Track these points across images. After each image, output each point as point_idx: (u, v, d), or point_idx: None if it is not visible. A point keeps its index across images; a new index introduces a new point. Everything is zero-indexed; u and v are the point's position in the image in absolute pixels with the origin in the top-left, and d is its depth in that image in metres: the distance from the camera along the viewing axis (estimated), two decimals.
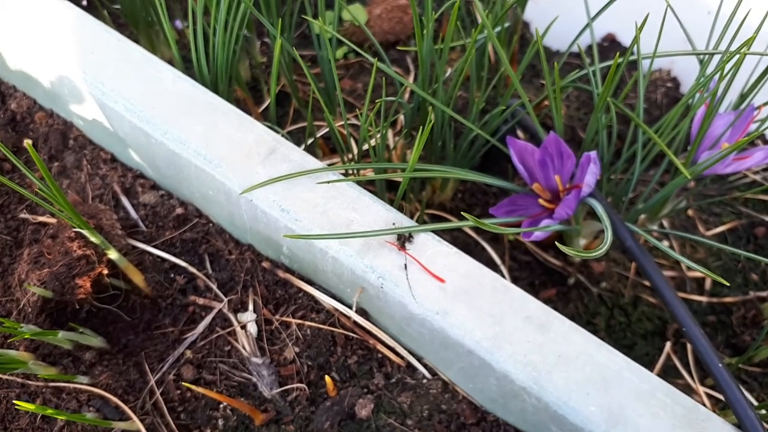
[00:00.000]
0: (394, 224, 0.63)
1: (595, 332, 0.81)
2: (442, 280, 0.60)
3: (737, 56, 0.60)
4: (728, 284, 0.55)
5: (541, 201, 0.72)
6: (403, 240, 0.62)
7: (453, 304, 0.59)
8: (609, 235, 0.58)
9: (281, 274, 0.70)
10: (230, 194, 0.65)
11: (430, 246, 0.62)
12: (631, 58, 1.03)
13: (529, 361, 0.57)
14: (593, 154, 0.65)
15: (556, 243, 0.52)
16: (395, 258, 0.61)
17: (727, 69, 0.63)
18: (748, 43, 0.57)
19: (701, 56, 0.75)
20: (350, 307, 0.66)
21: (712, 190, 0.92)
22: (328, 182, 0.63)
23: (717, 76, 0.62)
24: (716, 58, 0.90)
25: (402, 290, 0.60)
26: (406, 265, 0.61)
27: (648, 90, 0.98)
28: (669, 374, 0.79)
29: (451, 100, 0.75)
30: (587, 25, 0.76)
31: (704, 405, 0.75)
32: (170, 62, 0.98)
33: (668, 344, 0.79)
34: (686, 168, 0.70)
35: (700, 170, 0.65)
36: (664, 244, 0.88)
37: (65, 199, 0.57)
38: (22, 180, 0.79)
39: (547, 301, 0.83)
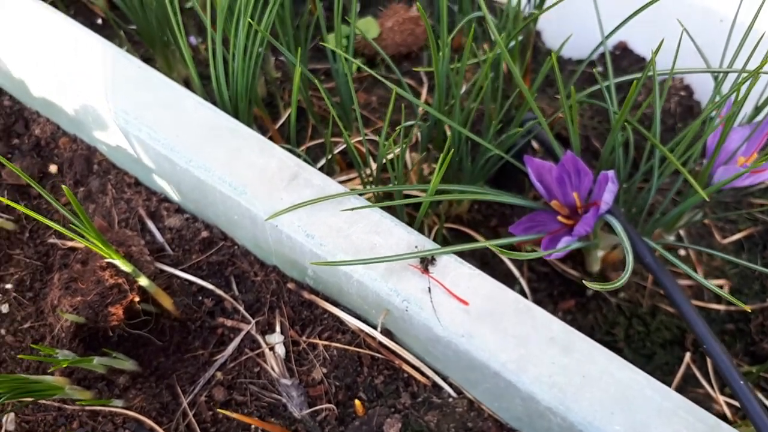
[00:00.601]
0: (416, 247, 0.64)
1: (614, 342, 0.83)
2: (465, 303, 0.61)
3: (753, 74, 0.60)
4: (749, 310, 0.56)
5: (559, 218, 0.73)
6: (426, 263, 0.63)
7: (477, 326, 0.60)
8: (630, 261, 0.59)
9: (306, 295, 0.71)
10: (255, 219, 0.67)
11: (452, 268, 0.64)
12: (639, 69, 1.03)
13: (554, 382, 0.58)
14: (611, 173, 0.66)
15: (584, 282, 0.54)
16: (419, 281, 0.63)
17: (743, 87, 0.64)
18: (763, 65, 0.57)
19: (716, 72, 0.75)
20: (375, 328, 0.67)
21: (727, 197, 0.93)
22: (352, 209, 0.64)
23: (732, 96, 0.62)
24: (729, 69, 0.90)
25: (427, 313, 0.61)
26: (429, 288, 0.62)
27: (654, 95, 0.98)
28: (689, 383, 0.80)
29: (469, 118, 0.76)
30: (601, 43, 0.76)
31: (724, 414, 0.77)
32: (187, 80, 0.99)
33: (688, 354, 0.80)
34: (703, 182, 0.71)
35: (716, 187, 0.65)
36: (681, 253, 0.90)
37: (98, 233, 0.58)
38: (49, 205, 0.81)
39: (566, 312, 0.85)
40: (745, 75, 0.57)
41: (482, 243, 0.66)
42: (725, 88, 0.73)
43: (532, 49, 1.00)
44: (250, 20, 0.65)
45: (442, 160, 0.60)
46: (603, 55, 1.02)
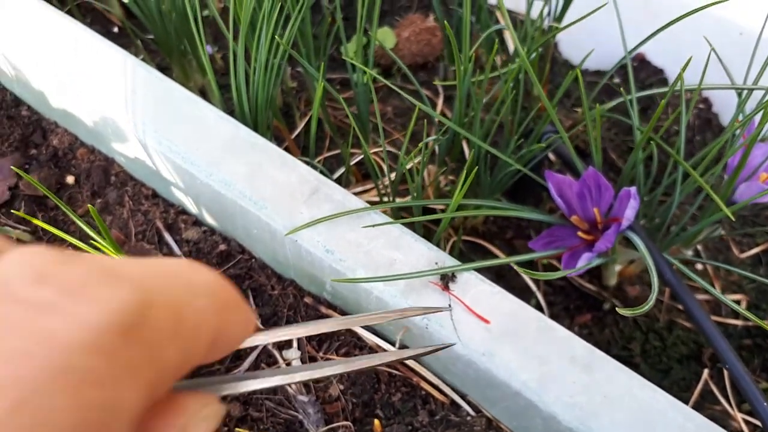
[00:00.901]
0: (436, 263, 0.64)
1: (630, 357, 0.82)
2: (487, 321, 0.61)
3: None
4: (766, 328, 0.55)
5: (579, 233, 0.73)
6: (447, 280, 0.63)
7: (499, 345, 0.60)
8: (655, 283, 0.59)
9: (324, 310, 0.71)
10: (275, 234, 0.67)
11: (472, 285, 0.63)
12: (658, 81, 1.02)
13: (576, 402, 0.57)
14: (633, 190, 0.66)
15: (617, 309, 0.53)
16: (439, 298, 0.62)
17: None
18: None
19: (737, 83, 0.75)
20: (393, 345, 0.67)
21: (745, 210, 0.92)
22: (373, 225, 0.64)
23: (754, 113, 0.62)
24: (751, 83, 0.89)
25: (447, 331, 0.61)
26: (450, 305, 0.62)
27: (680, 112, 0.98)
28: (706, 399, 0.79)
29: (490, 133, 0.75)
30: (624, 58, 0.76)
31: (743, 431, 0.76)
32: (203, 90, 0.99)
33: (705, 371, 0.79)
34: (725, 198, 0.71)
35: (740, 206, 0.65)
36: (698, 268, 0.89)
37: (117, 247, 0.58)
38: (66, 215, 0.81)
39: (582, 327, 0.84)
40: None
41: (504, 260, 0.66)
42: (748, 102, 0.73)
43: (550, 60, 1.00)
44: (277, 37, 0.65)
45: (464, 178, 0.60)
46: (620, 66, 1.02)
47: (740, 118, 0.66)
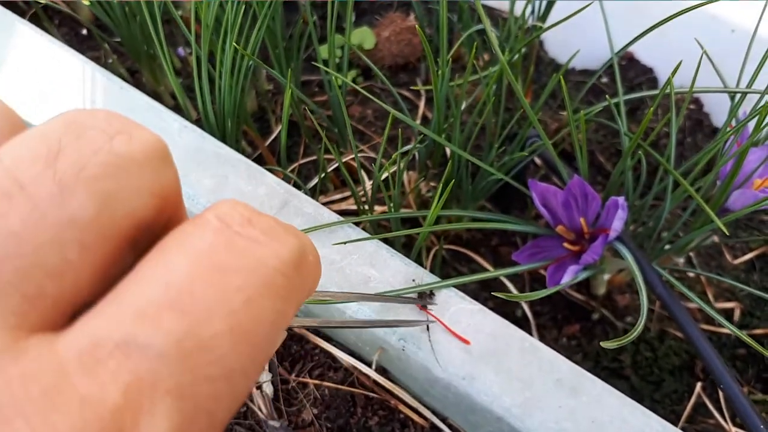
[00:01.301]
0: (413, 281, 0.60)
1: (621, 369, 0.79)
2: (467, 342, 0.57)
3: None
4: (766, 353, 0.52)
5: (565, 244, 0.70)
6: (425, 298, 0.60)
7: (479, 367, 0.56)
8: (644, 302, 0.55)
9: (296, 329, 0.67)
10: None
11: (452, 303, 0.60)
12: (646, 80, 0.99)
13: (562, 428, 0.54)
14: (621, 199, 0.62)
15: (601, 344, 0.50)
16: (416, 317, 0.59)
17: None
18: None
19: (729, 84, 0.72)
20: (369, 365, 0.64)
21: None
22: (345, 242, 0.60)
23: (748, 119, 0.58)
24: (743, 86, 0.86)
25: (425, 353, 0.57)
26: (428, 326, 0.58)
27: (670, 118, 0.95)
28: (699, 412, 0.76)
29: (470, 139, 0.72)
30: (611, 59, 0.72)
31: None
32: (174, 94, 0.95)
33: (699, 385, 0.76)
34: (717, 206, 0.67)
35: (734, 217, 0.62)
36: (691, 275, 0.86)
37: None
38: None
39: (570, 338, 0.81)
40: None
41: (487, 275, 0.62)
42: (741, 103, 0.70)
43: (535, 59, 0.96)
44: (235, 45, 0.61)
45: (440, 191, 0.56)
46: (609, 65, 0.98)
47: (733, 123, 0.63)
